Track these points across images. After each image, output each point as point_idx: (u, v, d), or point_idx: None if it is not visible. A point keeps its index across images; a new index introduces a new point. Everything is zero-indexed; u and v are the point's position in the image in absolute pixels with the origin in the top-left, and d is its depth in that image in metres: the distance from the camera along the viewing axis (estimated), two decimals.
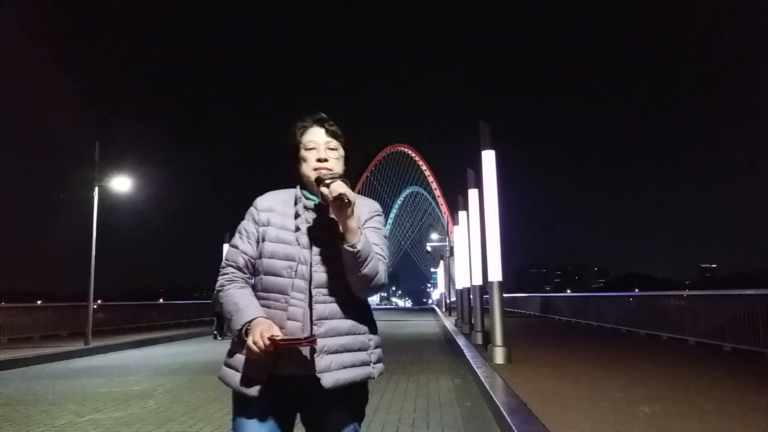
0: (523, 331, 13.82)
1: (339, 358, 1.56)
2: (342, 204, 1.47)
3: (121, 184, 13.47)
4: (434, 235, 62.70)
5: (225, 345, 11.21)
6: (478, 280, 11.60)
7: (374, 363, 1.66)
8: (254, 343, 1.45)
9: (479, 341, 10.43)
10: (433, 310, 44.56)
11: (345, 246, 1.50)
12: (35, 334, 13.56)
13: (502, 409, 4.40)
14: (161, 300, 25.30)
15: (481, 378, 6.02)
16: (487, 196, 8.00)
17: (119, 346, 11.89)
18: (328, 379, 1.51)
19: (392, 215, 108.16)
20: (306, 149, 1.69)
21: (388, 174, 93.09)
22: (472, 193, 11.79)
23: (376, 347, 1.69)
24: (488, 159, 7.99)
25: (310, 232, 1.62)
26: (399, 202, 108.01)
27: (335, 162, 1.68)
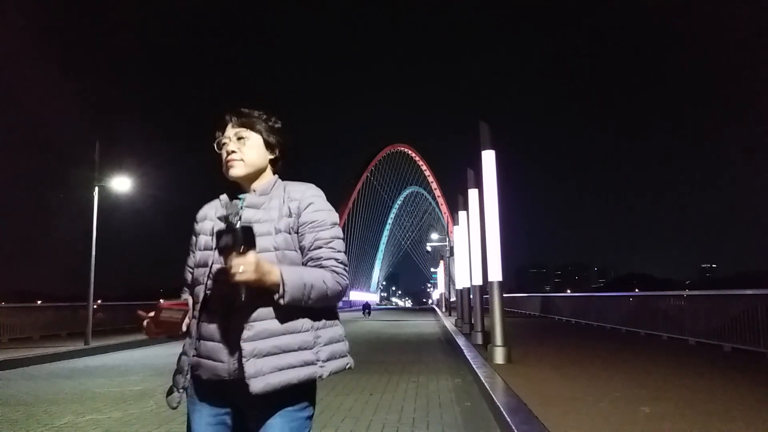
0: (523, 331, 13.81)
1: (272, 361, 1.43)
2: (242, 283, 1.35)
3: (121, 184, 13.47)
4: (434, 235, 62.69)
5: None
6: (478, 280, 11.60)
7: (323, 361, 1.51)
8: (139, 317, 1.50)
9: (479, 341, 10.43)
10: (433, 310, 44.58)
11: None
12: (35, 334, 13.56)
13: (502, 409, 4.39)
14: (161, 300, 25.25)
15: (481, 378, 6.02)
16: (487, 196, 8.00)
17: (119, 346, 11.89)
18: (256, 385, 1.40)
19: (392, 215, 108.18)
20: (220, 146, 1.63)
21: (388, 174, 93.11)
22: (472, 193, 11.79)
23: (327, 343, 1.53)
24: (488, 159, 8.00)
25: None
26: (399, 202, 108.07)
27: (247, 151, 1.60)
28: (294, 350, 1.47)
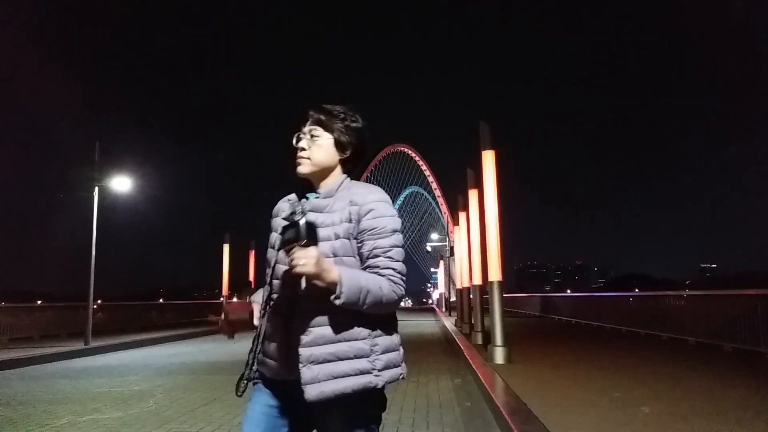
0: (523, 331, 13.81)
1: (327, 368, 1.44)
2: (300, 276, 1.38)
3: (121, 184, 13.46)
4: (434, 235, 62.69)
5: (227, 344, 11.13)
6: (478, 280, 11.60)
7: (379, 370, 1.49)
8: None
9: (479, 341, 10.43)
10: (433, 310, 44.56)
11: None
12: (35, 334, 13.55)
13: (502, 409, 4.39)
14: (161, 300, 25.31)
15: (481, 378, 6.01)
16: (487, 196, 8.00)
17: (119, 346, 11.88)
18: (310, 392, 1.42)
19: None
20: (297, 143, 1.65)
21: (388, 174, 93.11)
22: (472, 193, 11.80)
23: (384, 352, 1.51)
24: (488, 159, 8.00)
25: None
26: (399, 202, 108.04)
27: (315, 150, 1.61)
28: (350, 358, 1.46)
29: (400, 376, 1.55)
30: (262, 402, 1.57)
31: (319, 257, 1.37)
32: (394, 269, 1.50)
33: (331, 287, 1.40)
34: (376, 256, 1.50)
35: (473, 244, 11.79)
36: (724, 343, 8.60)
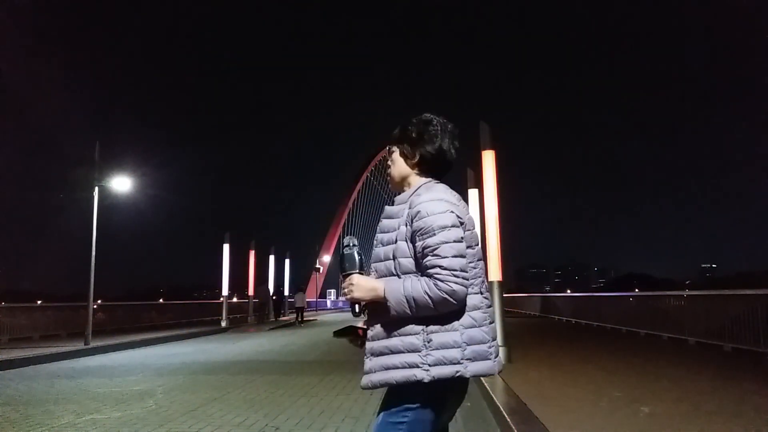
0: (523, 331, 13.81)
1: (381, 360, 1.59)
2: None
3: (121, 184, 13.46)
4: None
5: (227, 344, 11.12)
6: None
7: (429, 365, 1.54)
8: None
9: None
10: None
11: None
12: (35, 334, 13.55)
13: (502, 409, 4.40)
14: (161, 300, 25.31)
15: (481, 378, 6.01)
16: (487, 196, 8.01)
17: (119, 346, 11.88)
18: (363, 381, 1.62)
19: None
20: None
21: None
22: (472, 193, 11.79)
23: (438, 348, 1.56)
24: (488, 159, 8.00)
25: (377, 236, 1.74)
26: None
27: (392, 167, 1.81)
28: (401, 352, 1.57)
29: (456, 373, 1.55)
30: None
31: (359, 282, 1.61)
32: (440, 266, 1.53)
33: (383, 302, 1.58)
34: (426, 256, 1.57)
35: None
36: (724, 343, 8.60)
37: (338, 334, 1.80)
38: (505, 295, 8.00)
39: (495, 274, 7.71)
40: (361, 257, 1.67)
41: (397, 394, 1.60)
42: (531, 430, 3.75)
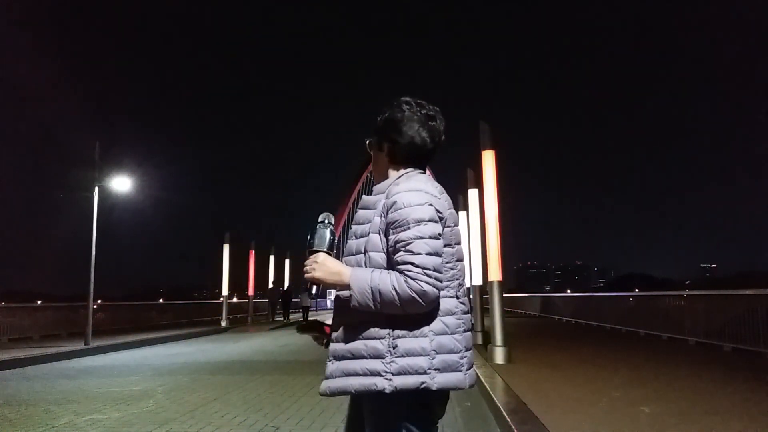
0: (523, 331, 13.81)
1: (343, 365, 1.45)
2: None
3: (121, 184, 13.45)
4: None
5: (227, 344, 11.11)
6: (478, 280, 11.60)
7: (393, 373, 1.39)
8: None
9: (479, 341, 10.42)
10: None
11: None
12: (35, 334, 13.54)
13: (502, 409, 4.39)
14: (161, 300, 25.31)
15: (481, 378, 6.01)
16: (487, 196, 8.00)
17: (119, 346, 11.87)
18: (321, 387, 1.48)
19: None
20: None
21: None
22: (472, 193, 11.79)
23: (404, 355, 1.41)
24: (488, 159, 7.99)
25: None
26: None
27: (375, 161, 1.68)
28: (363, 357, 1.42)
29: (421, 385, 1.40)
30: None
31: (324, 261, 1.45)
32: (411, 263, 1.39)
33: (346, 290, 1.44)
34: (398, 250, 1.43)
35: (473, 244, 11.78)
36: (724, 343, 8.60)
37: (303, 329, 1.68)
38: (505, 295, 8.00)
39: (495, 274, 7.71)
40: (333, 237, 1.52)
41: (379, 413, 1.44)
42: (531, 430, 3.75)
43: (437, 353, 1.43)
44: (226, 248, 21.21)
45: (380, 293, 1.38)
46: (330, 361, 1.48)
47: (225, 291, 21.02)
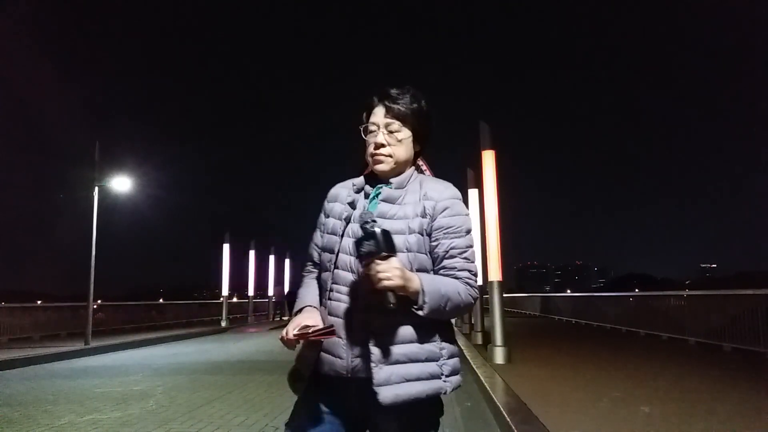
0: (523, 331, 13.81)
1: (401, 370, 1.36)
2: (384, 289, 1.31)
3: (121, 184, 13.46)
4: None
5: (227, 344, 11.11)
6: (478, 280, 11.60)
7: (447, 376, 1.41)
8: (281, 336, 1.40)
9: (479, 341, 10.43)
10: None
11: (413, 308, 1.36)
12: (35, 334, 13.54)
13: (502, 409, 4.39)
14: (161, 300, 25.32)
15: (481, 378, 6.01)
16: (487, 196, 8.00)
17: (119, 346, 11.87)
18: (386, 395, 1.33)
19: None
20: (368, 132, 1.53)
21: None
22: (472, 193, 11.79)
23: (450, 357, 1.44)
24: (488, 159, 7.99)
25: None
26: None
27: (398, 147, 1.50)
28: (421, 360, 1.39)
29: (459, 384, 1.46)
30: (317, 400, 1.49)
31: (402, 269, 1.32)
32: (470, 271, 1.44)
33: (413, 297, 1.34)
34: (453, 256, 1.43)
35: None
36: (724, 343, 8.60)
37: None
38: (505, 295, 8.00)
39: (495, 273, 7.71)
40: (389, 235, 1.32)
41: (419, 411, 1.39)
42: (531, 430, 3.74)
43: (456, 356, 1.50)
44: (226, 248, 21.20)
45: (449, 301, 1.38)
46: (377, 366, 1.34)
47: (225, 291, 21.02)
